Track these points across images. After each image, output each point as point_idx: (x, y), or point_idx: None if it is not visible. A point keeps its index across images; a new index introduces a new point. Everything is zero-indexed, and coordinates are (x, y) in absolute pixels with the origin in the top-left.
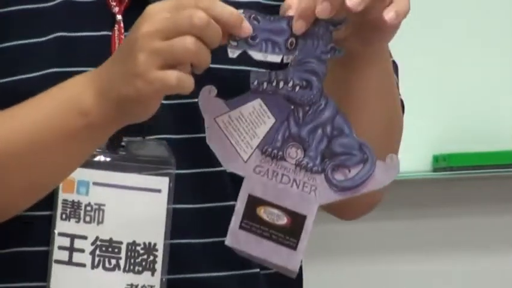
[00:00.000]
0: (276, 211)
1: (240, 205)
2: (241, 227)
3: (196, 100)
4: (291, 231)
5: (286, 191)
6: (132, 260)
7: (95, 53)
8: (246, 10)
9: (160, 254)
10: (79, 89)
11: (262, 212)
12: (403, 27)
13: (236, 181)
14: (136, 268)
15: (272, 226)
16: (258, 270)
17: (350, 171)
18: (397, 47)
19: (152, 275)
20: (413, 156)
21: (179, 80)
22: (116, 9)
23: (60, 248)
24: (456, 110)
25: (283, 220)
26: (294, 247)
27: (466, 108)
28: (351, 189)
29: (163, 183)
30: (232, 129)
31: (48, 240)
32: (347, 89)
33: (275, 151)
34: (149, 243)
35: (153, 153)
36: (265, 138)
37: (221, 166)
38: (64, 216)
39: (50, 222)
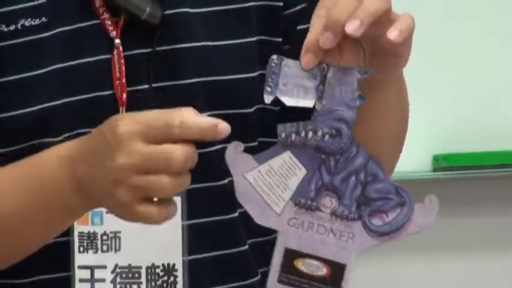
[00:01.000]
0: (314, 262)
1: (276, 259)
2: (279, 281)
3: (211, 149)
4: (331, 281)
5: (323, 241)
6: (153, 283)
7: (97, 79)
8: (278, 56)
9: (180, 273)
10: (63, 186)
11: (301, 264)
12: None
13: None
14: None
15: (312, 278)
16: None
17: (387, 215)
18: None
19: None
20: (413, 156)
21: (160, 216)
22: (114, 33)
23: (81, 280)
24: (456, 110)
25: (322, 271)
26: None
27: (466, 108)
28: (389, 233)
29: (176, 202)
30: (263, 184)
31: (66, 265)
32: (362, 110)
33: (309, 202)
34: (168, 264)
35: None
36: (298, 190)
37: (223, 179)
38: (81, 248)
39: (66, 247)
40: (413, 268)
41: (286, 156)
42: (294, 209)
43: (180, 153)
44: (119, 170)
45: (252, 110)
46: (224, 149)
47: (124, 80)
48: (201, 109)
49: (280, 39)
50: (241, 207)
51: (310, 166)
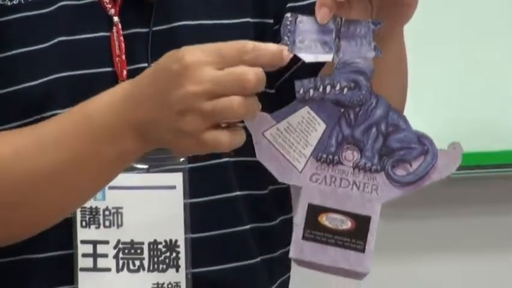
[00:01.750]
0: (338, 216)
1: (300, 216)
2: (304, 238)
3: None
4: (356, 234)
5: (346, 194)
6: (155, 259)
7: (96, 55)
8: (292, 14)
9: (182, 249)
10: (118, 133)
11: (325, 219)
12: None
13: (240, 171)
14: (161, 266)
15: (337, 232)
16: (259, 259)
17: (411, 165)
18: None
19: (177, 271)
20: None
21: (231, 142)
22: (112, 10)
23: (84, 255)
24: (456, 110)
25: (347, 224)
26: (362, 250)
27: (466, 108)
28: (414, 183)
29: (177, 179)
30: (283, 141)
31: (68, 243)
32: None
33: (330, 156)
34: (171, 240)
35: (165, 150)
36: (318, 145)
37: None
38: (83, 223)
39: (68, 226)
40: (413, 268)
41: (305, 112)
42: (316, 165)
43: (254, 73)
44: (189, 98)
45: (273, 91)
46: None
47: (123, 57)
48: None
49: (271, 21)
50: (241, 188)
51: (329, 120)
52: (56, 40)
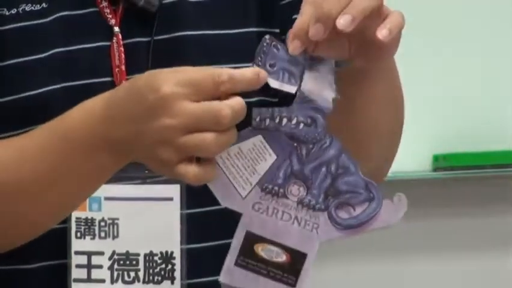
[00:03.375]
0: (275, 248)
1: (236, 242)
2: (236, 264)
3: None
4: (290, 269)
5: (286, 228)
6: (151, 271)
7: (96, 65)
8: (271, 37)
9: (177, 261)
10: (95, 149)
11: (260, 250)
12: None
13: None
14: (156, 278)
15: (270, 263)
16: None
17: (354, 209)
18: (399, 47)
19: (172, 283)
20: (413, 156)
21: (198, 177)
22: (113, 21)
23: (78, 266)
24: (456, 110)
25: (282, 258)
26: (293, 284)
27: (466, 108)
28: (355, 227)
29: (174, 190)
30: (231, 166)
31: (63, 253)
32: (352, 104)
33: (276, 188)
34: (166, 252)
35: None
36: (266, 175)
37: None
38: (78, 234)
39: (62, 235)
40: (413, 268)
41: (258, 140)
42: (260, 194)
43: (228, 108)
44: (164, 131)
45: (253, 100)
46: None
47: (123, 68)
48: None
49: (277, 30)
50: None
51: (281, 153)
52: (54, 50)
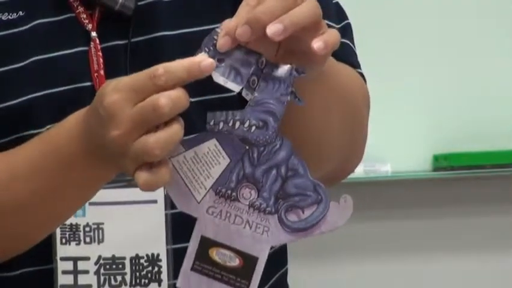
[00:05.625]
0: (228, 252)
1: (192, 246)
2: (193, 269)
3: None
4: (242, 273)
5: (238, 232)
6: (137, 274)
7: (75, 71)
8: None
9: (164, 263)
10: (85, 161)
11: (215, 254)
12: (406, 28)
13: None
14: (143, 281)
15: (224, 268)
16: None
17: (303, 212)
18: (398, 46)
19: (159, 285)
20: (413, 156)
21: (148, 184)
22: (90, 26)
23: (64, 272)
24: (456, 110)
25: (235, 262)
26: None
27: (466, 108)
28: (303, 230)
29: (158, 193)
30: (187, 170)
31: (47, 258)
32: (291, 111)
33: (229, 192)
34: (152, 255)
35: None
36: (220, 178)
37: None
38: (63, 240)
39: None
40: (413, 268)
41: (212, 144)
42: (214, 198)
43: (165, 97)
44: (117, 143)
45: (235, 93)
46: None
47: (102, 72)
48: None
49: None
50: None
51: (234, 156)
52: (33, 58)
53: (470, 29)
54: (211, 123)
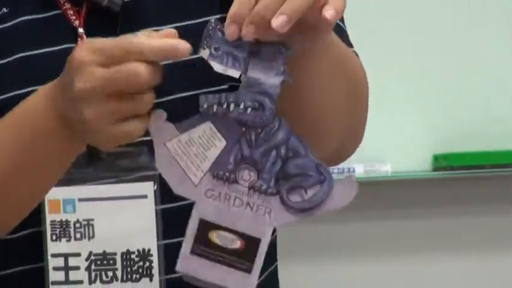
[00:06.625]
0: (229, 235)
1: (190, 230)
2: (192, 252)
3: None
4: (245, 255)
5: (239, 214)
6: (128, 269)
7: (60, 68)
8: (216, 21)
9: (155, 258)
10: (55, 128)
11: (215, 237)
12: (406, 28)
13: None
14: (134, 276)
15: (225, 250)
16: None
17: (306, 192)
18: (399, 47)
19: (151, 280)
20: (413, 156)
21: (135, 133)
22: (77, 22)
23: (55, 269)
24: (456, 110)
25: (236, 244)
26: (248, 270)
27: (465, 108)
28: (308, 210)
29: (148, 188)
30: (182, 153)
31: (38, 256)
32: (299, 86)
33: (227, 174)
34: (143, 250)
35: (133, 160)
36: (217, 161)
37: None
38: (54, 237)
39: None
40: (413, 268)
41: (207, 126)
42: (212, 181)
43: (145, 67)
44: (80, 94)
45: (226, 86)
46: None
47: None
48: (171, 92)
49: None
50: None
51: (230, 138)
52: (18, 55)
53: (470, 29)
54: (204, 106)
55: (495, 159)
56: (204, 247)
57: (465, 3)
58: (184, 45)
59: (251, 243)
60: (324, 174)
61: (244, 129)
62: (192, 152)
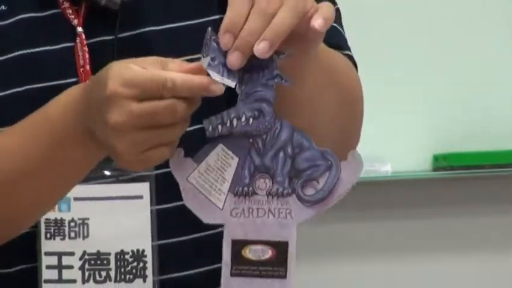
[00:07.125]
0: (259, 247)
1: (226, 253)
2: (232, 275)
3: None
4: (277, 262)
5: (264, 223)
6: (122, 270)
7: (59, 67)
8: (211, 31)
9: (149, 259)
10: (78, 137)
11: (248, 252)
12: (406, 29)
13: None
14: (127, 277)
15: (259, 263)
16: None
17: (318, 182)
18: (399, 47)
19: (144, 281)
20: (413, 156)
21: (163, 159)
22: (76, 21)
23: (48, 267)
24: (456, 110)
25: (268, 253)
26: (284, 276)
27: (466, 108)
28: (323, 200)
29: (143, 188)
30: (204, 183)
31: (31, 256)
32: (288, 95)
33: (246, 188)
34: (138, 250)
35: None
36: (234, 179)
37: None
38: (48, 235)
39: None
40: (413, 268)
41: (219, 149)
42: (234, 199)
43: (181, 104)
44: (116, 128)
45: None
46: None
47: (88, 67)
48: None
49: None
50: None
51: (241, 153)
52: (16, 53)
53: (470, 30)
54: (209, 129)
55: (495, 159)
56: (241, 266)
57: (465, 3)
58: (215, 87)
59: (280, 248)
60: (330, 159)
61: (251, 140)
62: (211, 179)
